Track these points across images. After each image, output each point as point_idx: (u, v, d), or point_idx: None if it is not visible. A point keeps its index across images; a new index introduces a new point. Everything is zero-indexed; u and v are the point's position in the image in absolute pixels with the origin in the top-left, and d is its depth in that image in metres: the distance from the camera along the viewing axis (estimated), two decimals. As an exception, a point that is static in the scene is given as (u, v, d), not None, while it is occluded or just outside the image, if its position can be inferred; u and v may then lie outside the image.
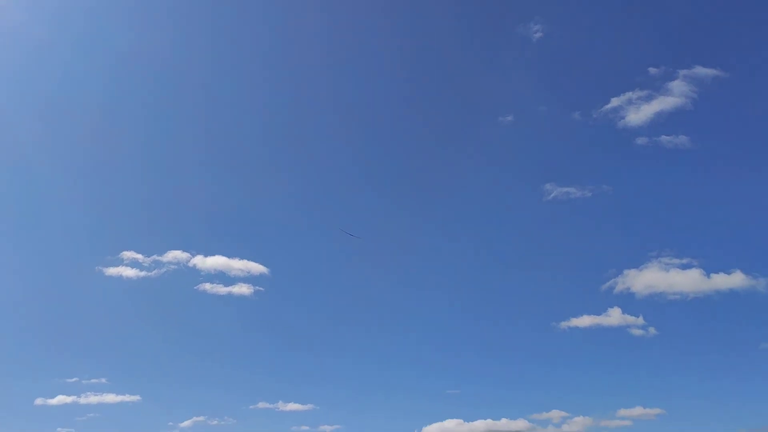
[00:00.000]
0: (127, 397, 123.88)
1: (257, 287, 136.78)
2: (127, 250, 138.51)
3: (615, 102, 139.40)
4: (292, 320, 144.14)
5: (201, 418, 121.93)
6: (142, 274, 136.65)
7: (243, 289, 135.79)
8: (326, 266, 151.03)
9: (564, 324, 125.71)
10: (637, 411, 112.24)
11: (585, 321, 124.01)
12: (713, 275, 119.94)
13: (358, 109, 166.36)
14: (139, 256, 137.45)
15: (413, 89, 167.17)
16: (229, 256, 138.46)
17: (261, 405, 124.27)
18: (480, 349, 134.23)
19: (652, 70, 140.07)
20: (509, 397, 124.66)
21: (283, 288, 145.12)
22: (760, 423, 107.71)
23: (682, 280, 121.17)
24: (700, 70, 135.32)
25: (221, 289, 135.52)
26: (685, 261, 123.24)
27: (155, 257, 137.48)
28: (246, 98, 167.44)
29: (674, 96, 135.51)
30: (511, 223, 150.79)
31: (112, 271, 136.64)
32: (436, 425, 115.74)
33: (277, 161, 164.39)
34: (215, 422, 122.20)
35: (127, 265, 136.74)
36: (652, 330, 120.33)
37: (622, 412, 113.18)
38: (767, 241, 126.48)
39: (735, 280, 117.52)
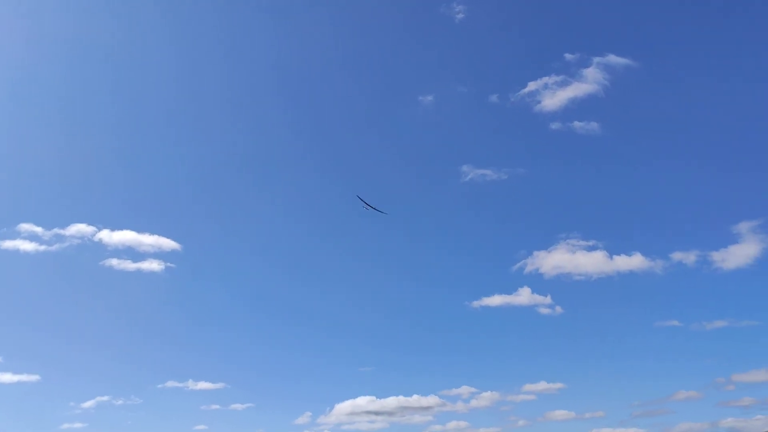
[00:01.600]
0: (24, 377, 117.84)
1: (169, 264, 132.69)
2: (24, 222, 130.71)
3: (532, 86, 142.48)
4: (205, 298, 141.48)
5: (105, 398, 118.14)
6: (42, 248, 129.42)
7: (153, 265, 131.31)
8: (240, 245, 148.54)
9: (476, 303, 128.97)
10: (541, 386, 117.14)
11: (496, 300, 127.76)
12: (615, 257, 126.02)
13: (275, 85, 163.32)
14: (39, 229, 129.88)
15: (332, 66, 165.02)
16: (139, 231, 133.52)
17: (170, 384, 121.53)
18: (392, 326, 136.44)
19: (568, 56, 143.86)
20: (421, 374, 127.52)
21: (196, 265, 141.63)
22: (653, 396, 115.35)
23: (587, 261, 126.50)
24: (613, 59, 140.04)
25: (129, 265, 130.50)
26: (591, 243, 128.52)
27: (56, 230, 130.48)
28: (157, 67, 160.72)
29: (588, 83, 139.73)
30: (428, 202, 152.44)
31: (7, 244, 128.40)
32: (348, 402, 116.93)
33: (192, 133, 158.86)
34: (120, 402, 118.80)
35: (24, 238, 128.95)
36: (558, 309, 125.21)
37: (527, 386, 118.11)
38: (665, 225, 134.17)
39: (635, 261, 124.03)
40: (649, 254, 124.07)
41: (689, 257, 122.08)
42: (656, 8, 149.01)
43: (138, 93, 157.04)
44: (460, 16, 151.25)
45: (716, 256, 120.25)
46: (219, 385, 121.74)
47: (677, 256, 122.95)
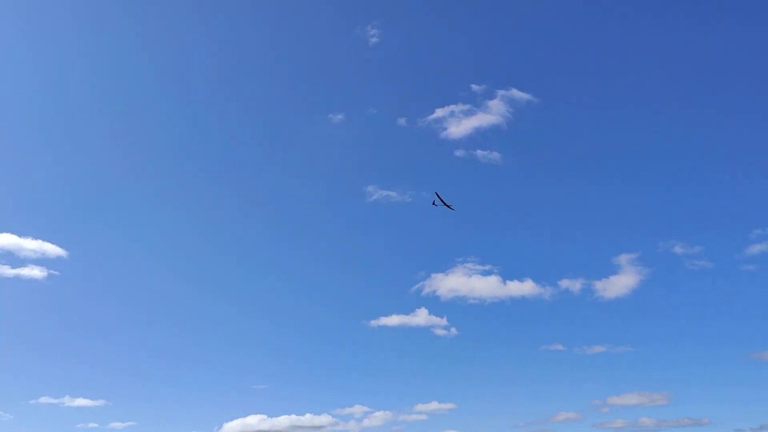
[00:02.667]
0: None
1: (52, 271, 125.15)
2: None
3: (439, 113, 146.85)
4: (88, 308, 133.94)
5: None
6: None
7: (34, 272, 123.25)
8: (133, 253, 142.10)
9: (374, 322, 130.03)
10: (433, 405, 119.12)
11: (394, 320, 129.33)
12: (509, 282, 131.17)
13: (185, 100, 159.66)
14: None
15: (244, 82, 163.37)
16: (21, 235, 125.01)
17: (43, 399, 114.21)
18: (287, 343, 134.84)
19: (475, 87, 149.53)
20: (315, 393, 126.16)
21: (82, 273, 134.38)
22: (537, 416, 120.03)
23: (482, 285, 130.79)
24: (516, 93, 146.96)
25: (8, 271, 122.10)
26: (486, 268, 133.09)
27: None
28: (40, 63, 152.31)
29: (492, 114, 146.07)
30: (332, 220, 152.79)
31: None
32: (237, 421, 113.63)
33: (87, 138, 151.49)
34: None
35: None
36: (453, 330, 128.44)
37: (420, 406, 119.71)
38: (555, 253, 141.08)
39: (526, 287, 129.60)
40: (540, 281, 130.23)
41: (575, 285, 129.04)
42: (558, 50, 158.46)
43: (19, 87, 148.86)
44: (374, 39, 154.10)
45: (599, 285, 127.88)
46: (98, 402, 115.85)
47: (564, 283, 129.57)
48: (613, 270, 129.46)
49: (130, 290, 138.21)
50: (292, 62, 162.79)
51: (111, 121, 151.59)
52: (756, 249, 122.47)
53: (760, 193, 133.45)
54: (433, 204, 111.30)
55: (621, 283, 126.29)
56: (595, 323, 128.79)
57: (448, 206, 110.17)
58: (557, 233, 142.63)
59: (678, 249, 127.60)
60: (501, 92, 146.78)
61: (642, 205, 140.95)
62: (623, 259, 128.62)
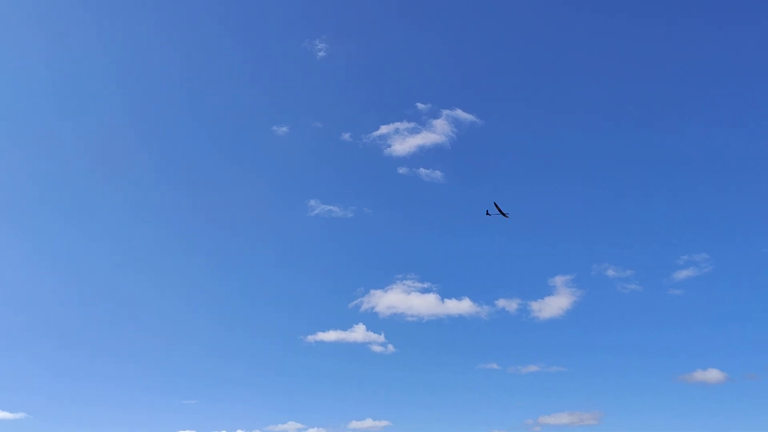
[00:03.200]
0: None
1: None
2: None
3: (384, 129, 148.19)
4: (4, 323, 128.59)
5: None
6: None
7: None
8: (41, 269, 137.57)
9: (311, 337, 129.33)
10: (367, 423, 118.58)
11: (331, 335, 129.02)
12: (447, 300, 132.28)
13: (125, 107, 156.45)
14: None
15: (188, 90, 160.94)
16: None
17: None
18: (220, 358, 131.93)
19: (420, 106, 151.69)
20: (247, 409, 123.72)
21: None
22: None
23: (420, 302, 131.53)
24: (460, 113, 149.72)
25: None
26: (425, 285, 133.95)
27: None
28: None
29: (436, 133, 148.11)
30: (272, 233, 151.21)
31: None
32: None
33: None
34: None
35: None
36: (390, 347, 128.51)
37: (354, 423, 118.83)
38: (493, 273, 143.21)
39: (464, 306, 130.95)
40: (477, 299, 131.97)
41: (512, 304, 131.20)
42: (503, 73, 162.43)
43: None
44: (322, 53, 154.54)
45: (534, 305, 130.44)
46: (18, 415, 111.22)
47: (501, 302, 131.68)
48: (548, 291, 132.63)
49: (45, 305, 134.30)
50: (239, 72, 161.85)
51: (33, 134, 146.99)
52: (683, 274, 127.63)
53: (688, 219, 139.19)
54: (487, 213, 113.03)
55: (556, 304, 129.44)
56: (530, 343, 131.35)
57: (504, 214, 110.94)
58: (495, 253, 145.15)
59: (610, 272, 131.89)
60: (446, 112, 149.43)
61: (577, 228, 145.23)
62: (558, 280, 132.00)
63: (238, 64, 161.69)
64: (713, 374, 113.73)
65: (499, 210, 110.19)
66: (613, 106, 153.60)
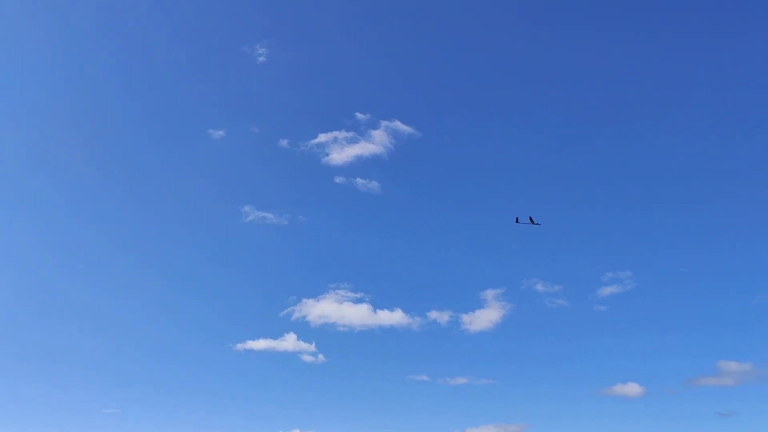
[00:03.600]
0: None
1: None
2: None
3: (322, 138, 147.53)
4: None
5: None
6: None
7: None
8: None
9: (240, 346, 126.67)
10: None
11: (261, 344, 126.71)
12: (379, 311, 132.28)
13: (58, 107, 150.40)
14: None
15: (124, 89, 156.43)
16: None
17: None
18: (143, 366, 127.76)
19: (360, 116, 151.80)
20: (171, 417, 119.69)
21: None
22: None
23: (353, 313, 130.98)
24: (399, 125, 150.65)
25: None
26: (358, 296, 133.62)
27: None
28: None
29: (375, 144, 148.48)
30: (205, 239, 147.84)
31: None
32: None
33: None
34: None
35: None
36: (321, 357, 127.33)
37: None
38: (426, 285, 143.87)
39: (396, 317, 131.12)
40: (409, 311, 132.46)
41: (443, 317, 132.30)
42: (444, 87, 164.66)
43: None
44: (262, 59, 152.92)
45: (465, 317, 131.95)
46: None
47: (433, 314, 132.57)
48: (479, 304, 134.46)
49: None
50: (176, 73, 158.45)
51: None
52: (607, 291, 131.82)
53: (613, 238, 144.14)
54: (516, 221, 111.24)
55: (486, 317, 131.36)
56: (460, 355, 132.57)
57: (535, 223, 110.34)
58: (429, 266, 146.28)
59: (539, 287, 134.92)
60: (385, 123, 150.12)
61: (508, 243, 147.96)
62: (489, 293, 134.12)
63: (176, 66, 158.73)
64: (633, 388, 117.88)
65: (531, 220, 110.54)
66: (547, 122, 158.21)
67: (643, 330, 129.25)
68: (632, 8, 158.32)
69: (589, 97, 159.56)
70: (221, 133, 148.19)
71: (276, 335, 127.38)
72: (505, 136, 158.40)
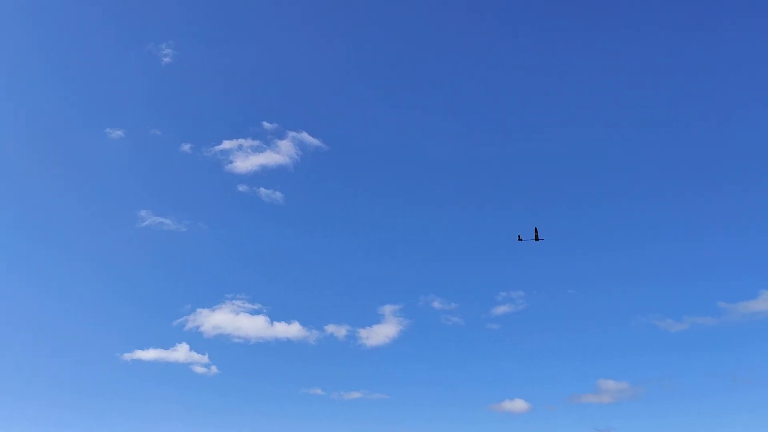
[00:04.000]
0: None
1: None
2: None
3: (227, 144, 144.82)
4: None
5: None
6: None
7: None
8: None
9: (128, 355, 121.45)
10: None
11: (151, 354, 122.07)
12: (276, 323, 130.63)
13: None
14: None
15: (12, 82, 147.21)
16: None
17: None
18: (27, 376, 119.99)
19: (267, 125, 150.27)
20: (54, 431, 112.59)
21: None
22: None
23: (249, 324, 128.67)
24: (307, 137, 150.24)
25: None
26: (255, 307, 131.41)
27: None
28: None
29: (281, 154, 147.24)
30: (96, 241, 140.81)
31: None
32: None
33: None
34: None
35: None
36: (214, 369, 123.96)
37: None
38: (324, 298, 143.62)
39: (293, 329, 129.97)
40: (307, 324, 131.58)
41: (341, 331, 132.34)
42: (354, 101, 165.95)
43: None
44: (167, 59, 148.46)
45: (363, 332, 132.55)
46: None
47: (331, 328, 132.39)
48: (377, 319, 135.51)
49: None
50: (74, 67, 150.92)
51: None
52: (500, 310, 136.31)
53: (508, 257, 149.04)
54: (519, 239, 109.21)
55: (383, 332, 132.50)
56: (356, 369, 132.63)
57: (539, 239, 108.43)
58: (327, 279, 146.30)
59: (436, 304, 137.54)
60: (292, 134, 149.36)
61: (408, 259, 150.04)
62: (387, 309, 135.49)
63: (74, 60, 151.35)
64: (519, 404, 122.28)
65: (536, 235, 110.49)
66: (454, 145, 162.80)
67: (532, 348, 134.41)
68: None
69: (492, 120, 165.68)
70: (120, 133, 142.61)
71: (167, 345, 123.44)
72: (411, 156, 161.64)
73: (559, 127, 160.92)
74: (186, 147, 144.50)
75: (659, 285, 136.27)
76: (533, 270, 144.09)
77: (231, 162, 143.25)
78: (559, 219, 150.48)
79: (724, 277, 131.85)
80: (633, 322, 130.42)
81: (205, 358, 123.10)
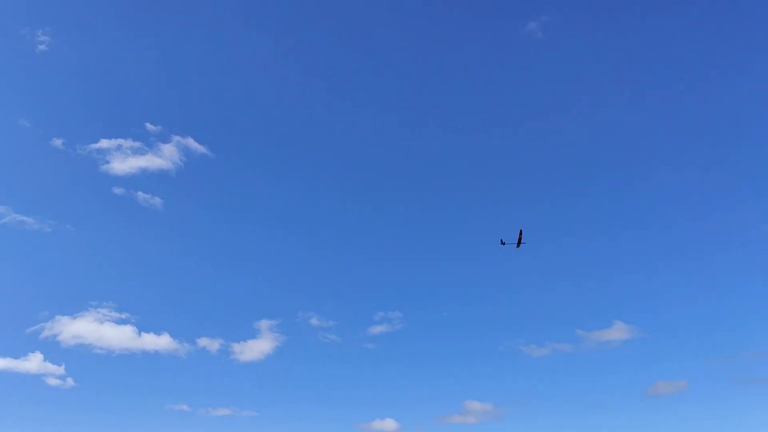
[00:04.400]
0: None
1: None
2: None
3: (104, 143, 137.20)
4: None
5: None
6: None
7: None
8: None
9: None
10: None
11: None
12: (144, 334, 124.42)
13: None
14: None
15: None
16: None
17: None
18: None
19: (150, 126, 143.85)
20: None
21: None
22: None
23: (114, 334, 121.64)
24: (192, 143, 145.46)
25: None
26: (123, 316, 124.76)
27: None
28: None
29: (163, 158, 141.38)
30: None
31: None
32: None
33: None
34: None
35: None
36: (70, 381, 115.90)
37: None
38: (198, 310, 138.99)
39: (162, 341, 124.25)
40: (178, 336, 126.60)
41: (214, 344, 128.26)
42: (239, 109, 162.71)
43: None
44: (43, 47, 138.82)
45: (237, 347, 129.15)
46: None
47: (203, 341, 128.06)
48: (253, 333, 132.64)
49: None
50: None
51: None
52: (377, 329, 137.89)
53: (386, 277, 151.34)
54: (502, 243, 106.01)
55: (258, 347, 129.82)
56: (226, 385, 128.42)
57: (519, 243, 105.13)
58: (203, 290, 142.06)
59: (315, 321, 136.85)
60: (177, 138, 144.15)
61: (289, 274, 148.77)
62: (264, 324, 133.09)
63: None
64: (389, 424, 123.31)
65: (519, 240, 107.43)
66: (340, 163, 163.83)
67: (404, 368, 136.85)
68: None
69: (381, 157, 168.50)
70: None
71: (18, 354, 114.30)
72: (295, 172, 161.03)
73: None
74: (57, 142, 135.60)
75: (525, 313, 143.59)
76: (412, 291, 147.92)
77: (107, 162, 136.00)
78: (442, 242, 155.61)
79: (583, 307, 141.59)
80: (500, 346, 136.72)
81: (60, 370, 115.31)
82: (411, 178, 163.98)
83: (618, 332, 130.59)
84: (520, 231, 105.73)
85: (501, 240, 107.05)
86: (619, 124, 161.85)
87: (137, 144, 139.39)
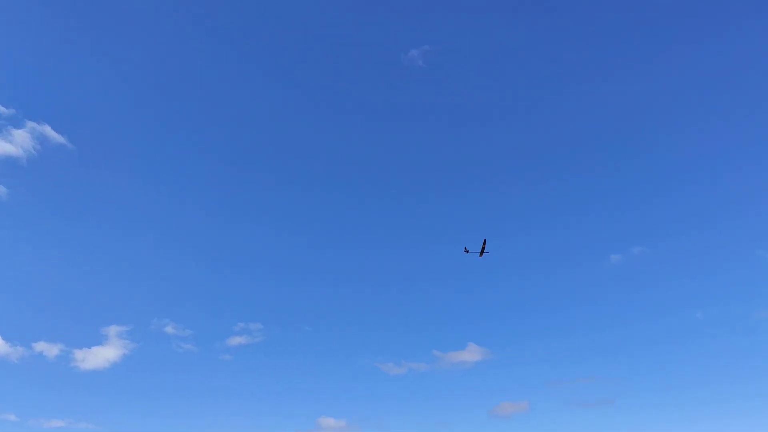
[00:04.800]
0: None
1: None
2: None
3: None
4: None
5: None
6: None
7: None
8: None
9: None
10: None
11: None
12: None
13: None
14: None
15: None
16: None
17: None
18: None
19: (2, 109, 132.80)
20: None
21: None
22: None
23: None
24: (50, 132, 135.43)
25: None
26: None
27: None
28: None
29: (14, 144, 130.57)
30: None
31: None
32: None
33: None
34: None
35: None
36: None
37: None
38: (35, 312, 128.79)
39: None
40: (11, 339, 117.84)
41: (53, 350, 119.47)
42: (115, 101, 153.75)
43: None
44: None
45: (79, 353, 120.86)
46: None
47: (41, 346, 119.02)
48: (99, 340, 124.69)
49: None
50: None
51: None
52: (236, 341, 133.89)
53: (247, 287, 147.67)
54: (465, 251, 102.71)
55: (103, 354, 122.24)
56: (63, 394, 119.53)
57: (482, 252, 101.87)
58: (45, 290, 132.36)
59: (170, 329, 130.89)
60: (33, 125, 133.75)
61: (142, 280, 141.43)
62: (113, 330, 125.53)
63: None
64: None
65: (483, 249, 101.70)
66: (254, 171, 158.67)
67: (260, 382, 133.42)
68: None
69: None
70: None
71: None
72: (163, 170, 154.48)
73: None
74: None
75: (384, 330, 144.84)
76: (274, 303, 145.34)
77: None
78: (306, 257, 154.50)
79: (439, 328, 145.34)
80: (357, 363, 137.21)
81: None
82: (280, 193, 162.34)
83: (471, 354, 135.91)
84: (484, 240, 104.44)
85: (465, 248, 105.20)
86: (504, 146, 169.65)
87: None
